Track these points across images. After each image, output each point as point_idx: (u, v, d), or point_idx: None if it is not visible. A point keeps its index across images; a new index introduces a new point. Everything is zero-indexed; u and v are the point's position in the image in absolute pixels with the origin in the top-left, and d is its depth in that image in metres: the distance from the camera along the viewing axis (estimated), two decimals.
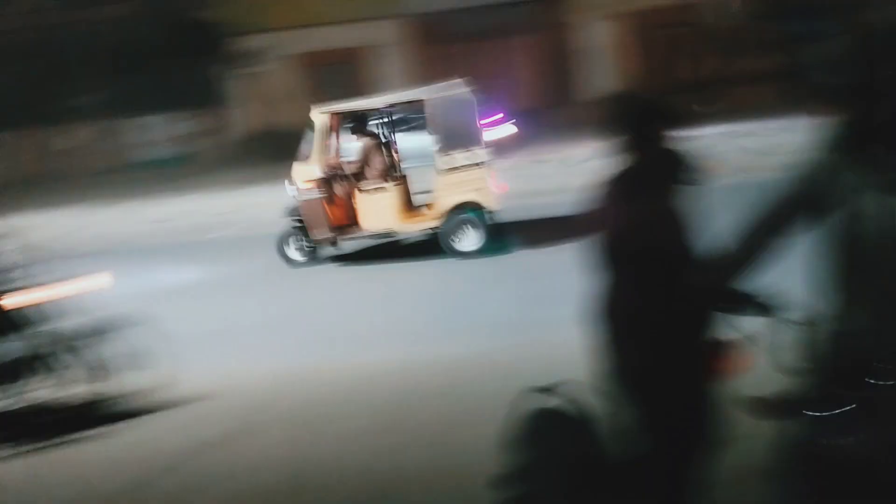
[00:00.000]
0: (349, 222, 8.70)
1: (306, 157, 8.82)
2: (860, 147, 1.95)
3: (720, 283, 2.15)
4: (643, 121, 2.51)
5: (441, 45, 22.54)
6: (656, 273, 2.36)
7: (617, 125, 2.52)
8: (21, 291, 4.86)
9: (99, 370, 4.86)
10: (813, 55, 21.45)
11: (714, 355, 2.37)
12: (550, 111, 22.04)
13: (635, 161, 2.50)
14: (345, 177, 8.76)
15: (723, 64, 21.95)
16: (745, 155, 12.10)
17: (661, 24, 22.41)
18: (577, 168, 12.40)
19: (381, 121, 9.42)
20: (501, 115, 15.58)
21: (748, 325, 2.22)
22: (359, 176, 8.79)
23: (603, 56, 22.86)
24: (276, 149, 17.16)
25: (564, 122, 20.23)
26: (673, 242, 2.41)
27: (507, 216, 8.88)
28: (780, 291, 2.16)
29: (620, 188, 2.53)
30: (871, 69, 1.94)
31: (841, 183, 1.95)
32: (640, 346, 2.41)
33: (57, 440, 4.76)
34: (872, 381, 1.84)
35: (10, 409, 4.82)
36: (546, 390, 2.57)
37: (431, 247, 8.65)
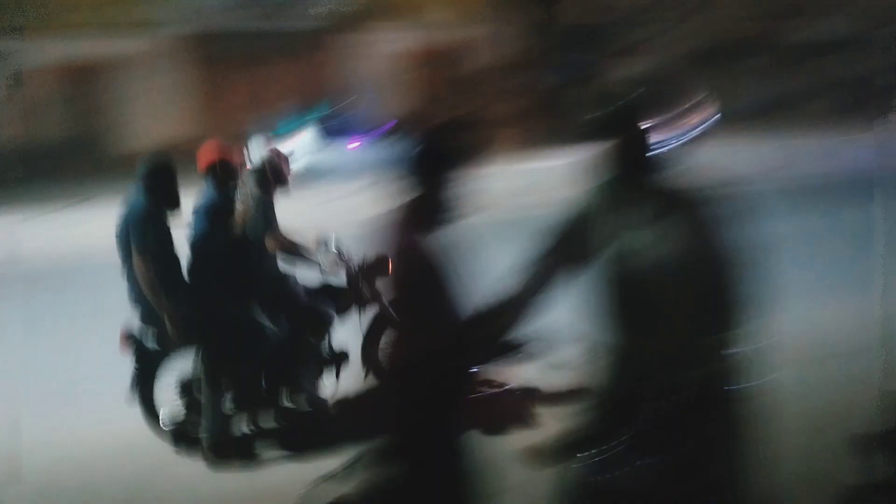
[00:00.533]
0: None
1: None
2: (625, 184, 2.04)
3: (491, 333, 2.07)
4: (423, 161, 2.31)
5: (209, 65, 21.75)
6: (421, 320, 2.21)
7: (399, 164, 2.33)
8: None
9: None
10: (579, 96, 23.86)
11: (484, 406, 2.26)
12: None
13: (407, 201, 2.34)
14: None
15: (494, 103, 23.67)
16: (512, 193, 12.49)
17: (436, 62, 23.57)
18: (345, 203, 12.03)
19: None
20: None
21: (522, 372, 2.18)
22: None
23: (382, 90, 23.35)
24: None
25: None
26: (435, 288, 2.20)
27: None
28: (552, 334, 2.15)
29: (390, 230, 2.35)
30: (627, 114, 2.05)
31: (607, 220, 2.04)
32: (402, 402, 2.24)
33: None
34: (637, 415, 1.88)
35: None
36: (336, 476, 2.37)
37: None
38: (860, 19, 27.88)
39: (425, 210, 2.28)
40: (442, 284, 2.18)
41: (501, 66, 24.82)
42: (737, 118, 26.84)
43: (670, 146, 2.02)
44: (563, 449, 2.04)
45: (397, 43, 23.70)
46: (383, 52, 23.92)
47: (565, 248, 2.13)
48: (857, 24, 27.90)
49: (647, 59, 26.60)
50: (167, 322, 4.00)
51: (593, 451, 1.91)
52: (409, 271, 2.19)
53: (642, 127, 2.00)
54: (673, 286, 1.93)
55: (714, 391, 1.89)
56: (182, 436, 4.33)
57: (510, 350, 2.11)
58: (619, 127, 2.02)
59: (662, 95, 2.13)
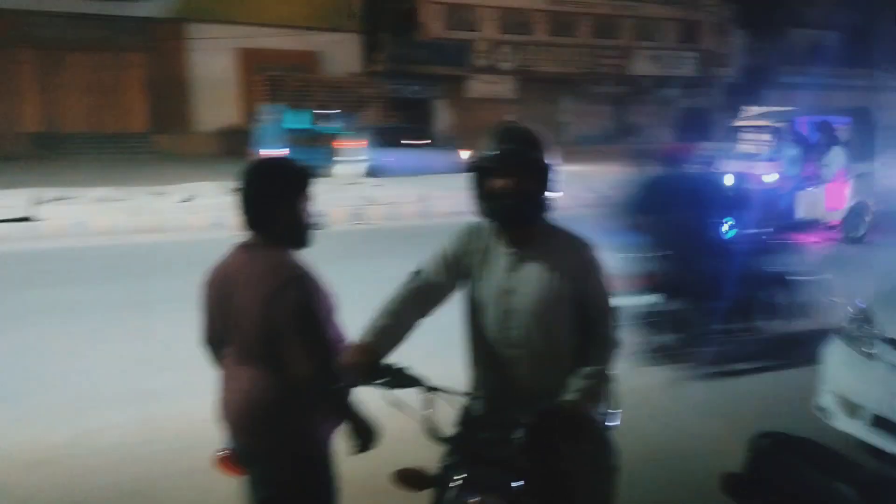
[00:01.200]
0: None
1: None
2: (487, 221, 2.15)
3: (366, 358, 2.00)
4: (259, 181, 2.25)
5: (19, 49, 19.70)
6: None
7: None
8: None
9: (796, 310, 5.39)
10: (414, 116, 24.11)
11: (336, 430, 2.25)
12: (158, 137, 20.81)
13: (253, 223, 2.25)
14: None
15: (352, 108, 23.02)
16: (368, 204, 12.27)
17: (277, 65, 22.74)
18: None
19: None
20: None
21: (391, 396, 2.01)
22: None
23: (217, 89, 22.37)
24: None
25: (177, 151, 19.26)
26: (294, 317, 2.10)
27: None
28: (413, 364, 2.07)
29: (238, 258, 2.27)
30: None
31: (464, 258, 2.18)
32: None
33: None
34: (511, 437, 1.91)
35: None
36: None
37: None
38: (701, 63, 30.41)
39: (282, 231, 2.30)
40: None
41: (357, 75, 24.25)
42: (588, 144, 28.28)
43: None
44: (435, 474, 2.01)
45: (247, 41, 22.41)
46: (227, 48, 22.54)
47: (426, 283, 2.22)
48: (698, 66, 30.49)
49: (506, 78, 27.18)
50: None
51: (466, 474, 1.92)
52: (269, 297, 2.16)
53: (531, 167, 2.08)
54: (549, 321, 2.10)
55: (578, 421, 1.96)
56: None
57: (387, 376, 2.01)
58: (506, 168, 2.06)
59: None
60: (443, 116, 26.97)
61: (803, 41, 37.89)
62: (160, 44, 22.02)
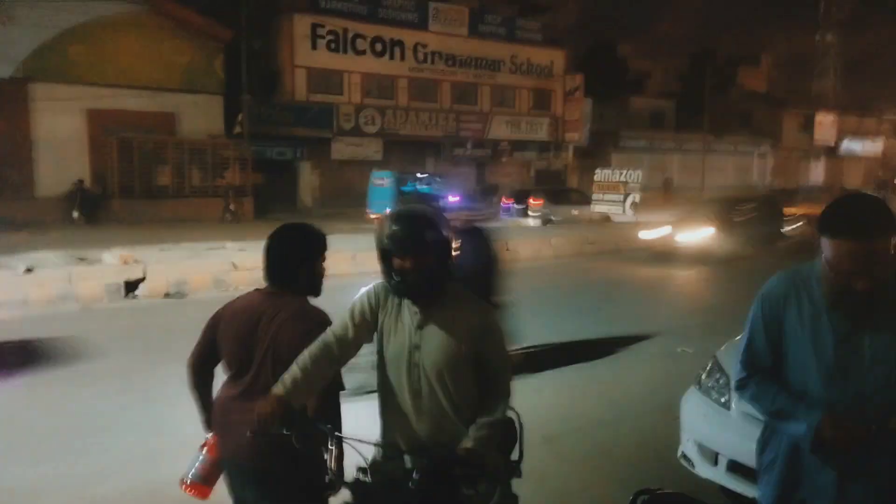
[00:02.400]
0: None
1: None
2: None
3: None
4: None
5: None
6: None
7: None
8: None
9: None
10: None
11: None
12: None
13: None
14: None
15: (199, 175, 22.34)
16: (230, 269, 11.83)
17: (133, 127, 21.92)
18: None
19: None
20: None
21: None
22: None
23: (64, 151, 21.12)
24: None
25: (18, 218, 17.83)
26: None
27: None
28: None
29: None
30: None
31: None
32: None
33: None
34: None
35: None
36: None
37: None
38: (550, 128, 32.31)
39: None
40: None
41: (217, 137, 23.67)
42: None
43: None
44: None
45: (99, 102, 21.32)
46: (77, 109, 21.33)
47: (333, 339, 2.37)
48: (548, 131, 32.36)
49: (370, 141, 27.52)
50: None
51: None
52: None
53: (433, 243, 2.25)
54: (450, 376, 2.30)
55: (474, 467, 2.09)
56: None
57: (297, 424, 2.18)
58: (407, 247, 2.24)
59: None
60: (308, 178, 26.79)
61: (645, 109, 41.42)
62: (1, 104, 20.47)
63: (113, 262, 11.83)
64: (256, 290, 2.69)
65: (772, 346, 2.25)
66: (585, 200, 23.77)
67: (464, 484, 2.05)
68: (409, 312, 2.34)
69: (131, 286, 10.44)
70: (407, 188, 20.90)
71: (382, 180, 21.38)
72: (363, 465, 2.26)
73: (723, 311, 9.04)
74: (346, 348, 2.37)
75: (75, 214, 20.69)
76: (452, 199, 18.67)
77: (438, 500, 2.06)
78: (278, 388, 2.22)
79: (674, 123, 41.96)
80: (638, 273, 13.45)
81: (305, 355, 2.31)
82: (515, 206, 23.33)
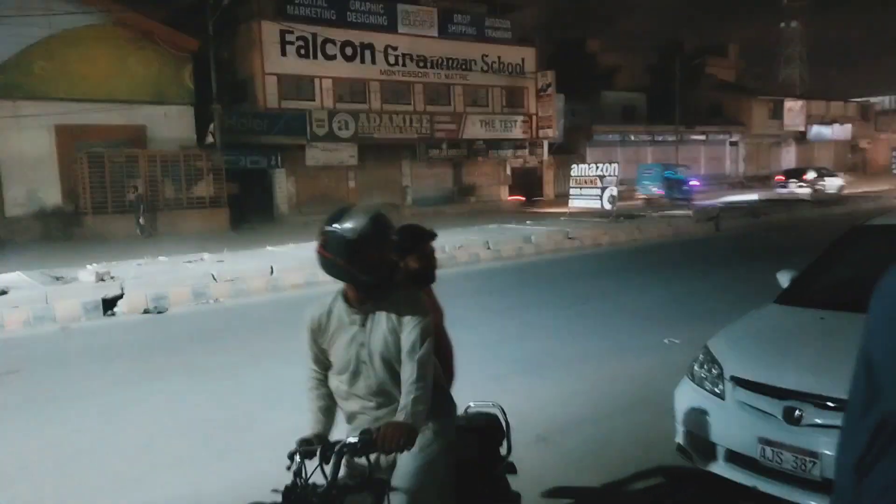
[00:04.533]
0: None
1: None
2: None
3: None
4: None
5: None
6: None
7: None
8: None
9: None
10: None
11: None
12: None
13: None
14: None
15: (172, 188, 22.10)
16: (209, 281, 11.67)
17: (103, 141, 21.63)
18: None
19: None
20: None
21: None
22: None
23: (33, 168, 20.81)
24: None
25: None
26: None
27: None
28: None
29: None
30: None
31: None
32: None
33: None
34: None
35: None
36: None
37: None
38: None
39: None
40: None
41: (189, 148, 23.41)
42: (430, 205, 29.07)
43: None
44: None
45: (67, 118, 20.98)
46: (45, 125, 20.98)
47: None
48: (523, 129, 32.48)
49: (345, 146, 27.40)
50: None
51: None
52: None
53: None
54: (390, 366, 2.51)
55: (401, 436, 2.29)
56: None
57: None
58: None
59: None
60: (284, 186, 26.61)
61: (616, 103, 41.72)
62: None
63: (89, 279, 11.63)
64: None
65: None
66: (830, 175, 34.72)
67: (386, 451, 2.28)
68: (348, 314, 2.50)
69: (109, 303, 10.26)
70: (668, 174, 29.71)
71: (650, 170, 30.86)
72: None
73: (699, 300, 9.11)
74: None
75: (142, 221, 21.00)
76: (693, 182, 28.96)
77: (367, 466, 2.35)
78: (314, 427, 2.51)
79: (646, 116, 42.32)
80: None
81: (315, 394, 2.59)
82: (789, 181, 33.22)
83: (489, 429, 2.95)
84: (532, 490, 3.75)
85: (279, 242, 16.53)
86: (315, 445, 2.32)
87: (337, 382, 2.55)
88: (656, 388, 5.23)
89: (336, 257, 2.39)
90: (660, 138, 39.97)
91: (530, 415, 4.99)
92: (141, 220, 21.22)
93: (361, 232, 2.35)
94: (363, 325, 2.48)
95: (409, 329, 2.44)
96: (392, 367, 2.46)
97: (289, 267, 12.46)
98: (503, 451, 2.97)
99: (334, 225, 2.39)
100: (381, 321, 2.47)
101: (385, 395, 2.48)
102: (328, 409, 2.58)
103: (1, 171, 20.88)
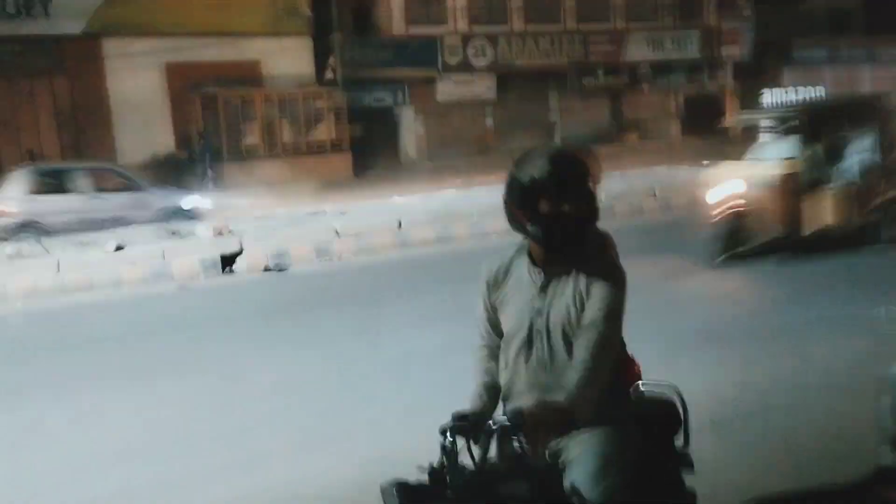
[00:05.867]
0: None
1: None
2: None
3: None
4: None
5: None
6: None
7: None
8: None
9: None
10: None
11: None
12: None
13: None
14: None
15: (291, 131, 23.07)
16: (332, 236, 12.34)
17: (215, 80, 22.73)
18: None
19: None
20: None
21: None
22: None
23: (144, 112, 22.35)
24: None
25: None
26: None
27: None
28: None
29: None
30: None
31: None
32: None
33: None
34: None
35: None
36: None
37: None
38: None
39: None
40: None
41: (308, 85, 24.31)
42: (584, 144, 28.41)
43: None
44: None
45: (177, 55, 22.40)
46: (154, 64, 22.51)
47: None
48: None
49: (482, 77, 27.38)
50: None
51: None
52: None
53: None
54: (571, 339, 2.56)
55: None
56: None
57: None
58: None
59: None
60: (412, 126, 27.09)
61: (822, 10, 38.68)
62: (74, 64, 21.92)
63: (206, 234, 12.56)
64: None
65: None
66: None
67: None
68: (529, 276, 2.51)
69: (228, 260, 11.06)
70: None
71: None
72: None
73: None
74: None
75: (210, 173, 21.72)
76: None
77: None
78: (476, 404, 2.56)
79: (862, 27, 38.99)
80: None
81: (485, 373, 2.65)
82: None
83: (663, 417, 2.86)
84: (705, 487, 3.75)
85: (407, 191, 16.99)
86: (470, 422, 2.35)
87: (503, 350, 2.59)
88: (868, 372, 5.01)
89: (512, 205, 2.44)
90: (883, 56, 36.78)
91: (703, 396, 4.95)
92: (210, 172, 21.56)
93: (538, 175, 2.36)
94: (544, 289, 2.49)
95: (597, 300, 2.43)
96: (571, 342, 2.46)
97: (418, 220, 12.82)
98: (678, 442, 2.89)
99: (517, 167, 2.43)
100: (567, 287, 2.47)
101: (558, 373, 2.47)
102: (493, 386, 2.60)
103: (112, 115, 22.67)
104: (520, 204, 2.41)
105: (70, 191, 14.38)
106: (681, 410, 2.85)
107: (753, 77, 32.31)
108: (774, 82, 30.04)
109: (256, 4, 23.99)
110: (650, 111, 31.23)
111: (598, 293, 2.43)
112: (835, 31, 37.74)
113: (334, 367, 6.48)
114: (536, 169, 2.37)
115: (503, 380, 2.60)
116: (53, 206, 13.94)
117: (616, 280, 2.47)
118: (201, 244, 11.90)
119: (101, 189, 14.89)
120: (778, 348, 6.19)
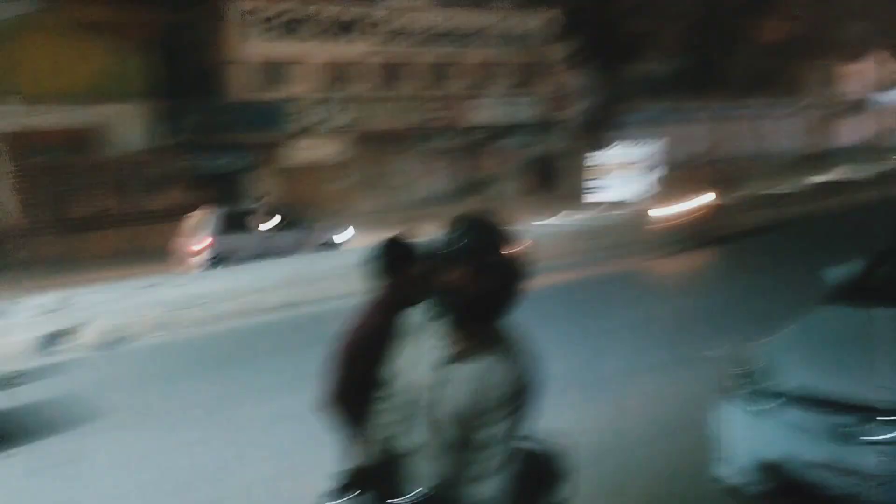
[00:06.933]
0: None
1: None
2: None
3: None
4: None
5: None
6: None
7: None
8: None
9: None
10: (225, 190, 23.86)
11: None
12: None
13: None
14: None
15: (118, 199, 22.12)
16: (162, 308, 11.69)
17: (42, 149, 21.62)
18: None
19: None
20: None
21: None
22: None
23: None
24: None
25: None
26: None
27: None
28: None
29: None
30: None
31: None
32: None
33: None
34: None
35: None
36: None
37: None
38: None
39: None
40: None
41: (148, 151, 23.50)
42: (430, 205, 29.00)
43: None
44: None
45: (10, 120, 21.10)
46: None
47: None
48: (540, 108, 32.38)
49: (329, 140, 27.45)
50: None
51: None
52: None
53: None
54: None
55: None
56: None
57: None
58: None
59: None
60: (261, 191, 26.61)
61: (648, 75, 41.41)
62: None
63: (33, 311, 11.70)
64: None
65: None
66: None
67: None
68: (433, 344, 2.30)
69: (58, 338, 10.34)
70: None
71: None
72: None
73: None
74: None
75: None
76: None
77: None
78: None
79: (699, 85, 41.79)
80: None
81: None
82: None
83: (542, 473, 2.70)
84: None
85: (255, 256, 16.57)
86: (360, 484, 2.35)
87: (390, 409, 2.42)
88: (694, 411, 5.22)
89: (481, 278, 2.21)
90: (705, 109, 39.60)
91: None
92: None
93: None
94: (451, 363, 2.26)
95: (496, 392, 2.20)
96: (462, 426, 2.23)
97: (265, 286, 12.50)
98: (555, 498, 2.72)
99: (496, 234, 2.24)
100: (464, 369, 2.24)
101: (441, 449, 2.27)
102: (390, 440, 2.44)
103: None
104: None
105: None
106: (552, 464, 2.72)
107: (594, 135, 34.01)
108: (611, 141, 31.65)
109: (93, 70, 23.04)
110: (494, 172, 32.16)
111: (499, 384, 2.22)
112: (675, 91, 40.40)
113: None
114: (451, 235, 2.22)
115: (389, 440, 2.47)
116: None
117: (520, 368, 2.28)
118: (28, 321, 11.02)
119: None
120: None
